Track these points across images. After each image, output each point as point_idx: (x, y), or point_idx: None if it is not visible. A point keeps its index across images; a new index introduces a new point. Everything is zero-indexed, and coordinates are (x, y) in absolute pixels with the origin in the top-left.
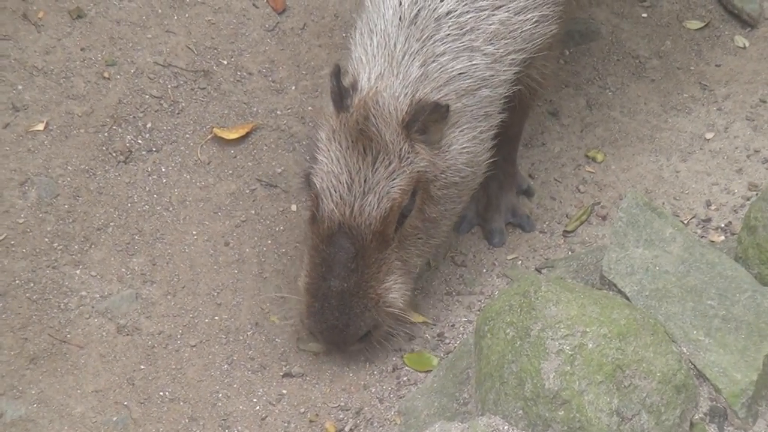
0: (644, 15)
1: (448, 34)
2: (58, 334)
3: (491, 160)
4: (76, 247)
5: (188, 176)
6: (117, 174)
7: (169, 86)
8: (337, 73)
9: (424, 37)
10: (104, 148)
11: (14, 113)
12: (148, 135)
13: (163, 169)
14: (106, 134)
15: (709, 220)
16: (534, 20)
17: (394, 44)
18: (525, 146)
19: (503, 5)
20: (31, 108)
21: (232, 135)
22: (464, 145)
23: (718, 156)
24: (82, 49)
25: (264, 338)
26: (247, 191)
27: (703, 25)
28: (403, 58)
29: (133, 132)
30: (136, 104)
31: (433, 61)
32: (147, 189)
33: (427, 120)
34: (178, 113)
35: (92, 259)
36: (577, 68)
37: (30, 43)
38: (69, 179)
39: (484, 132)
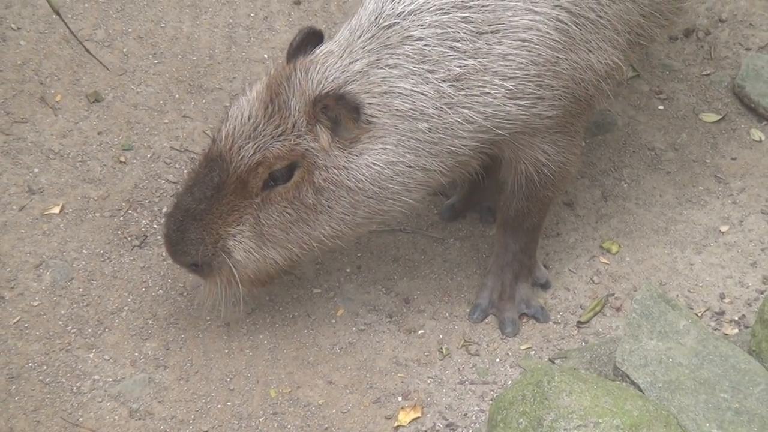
0: (660, 107)
1: (409, 55)
2: (71, 417)
3: (412, 203)
4: (89, 330)
5: None
6: (132, 258)
7: (185, 171)
8: (308, 32)
9: (387, 44)
10: (119, 232)
11: (30, 196)
12: (163, 220)
13: None
14: (121, 218)
15: (722, 312)
16: (504, 93)
17: (359, 36)
18: (540, 237)
19: (476, 56)
20: (47, 191)
21: None
22: (377, 163)
23: (732, 249)
24: (99, 133)
25: (276, 425)
26: None
27: (719, 118)
28: (357, 49)
29: (148, 216)
30: (152, 189)
31: (381, 68)
32: (161, 274)
33: (337, 110)
34: None
35: (106, 343)
36: (592, 159)
37: (47, 126)
38: (84, 263)
39: (409, 168)
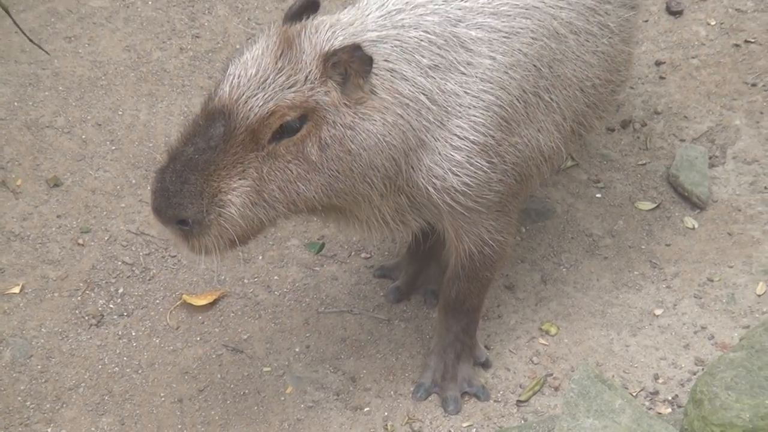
0: (598, 195)
1: (419, 43)
2: None
3: (380, 207)
4: (47, 406)
5: (157, 340)
6: (89, 337)
7: (141, 253)
8: (309, 1)
9: (398, 25)
10: (77, 311)
11: None
12: (119, 300)
13: (134, 333)
14: (79, 298)
15: (656, 392)
16: (452, 164)
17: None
18: (482, 318)
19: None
20: (7, 271)
21: (201, 302)
22: (376, 133)
23: (666, 332)
24: (58, 216)
25: None
26: (214, 356)
27: (654, 206)
28: (369, 23)
29: (105, 297)
30: (109, 270)
31: (398, 39)
32: (117, 352)
33: (349, 63)
34: (149, 280)
35: (63, 418)
36: (532, 245)
37: (8, 209)
38: (43, 340)
39: (392, 157)
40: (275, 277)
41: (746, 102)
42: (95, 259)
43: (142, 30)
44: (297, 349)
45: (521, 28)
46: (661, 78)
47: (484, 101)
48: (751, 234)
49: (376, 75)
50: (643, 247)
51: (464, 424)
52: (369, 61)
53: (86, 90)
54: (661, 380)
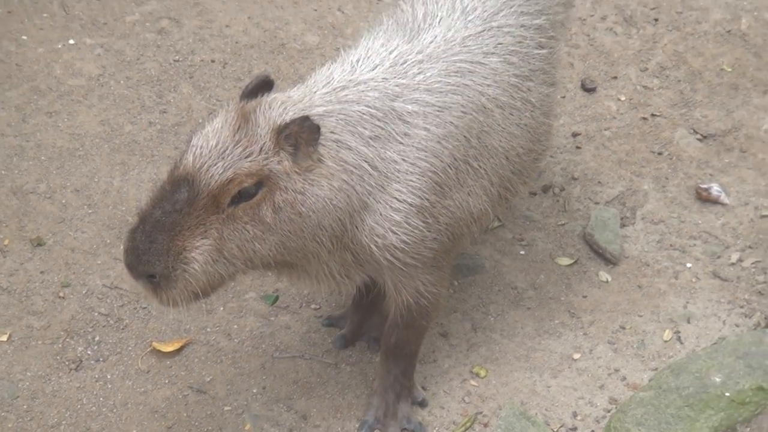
0: (522, 252)
1: (361, 116)
2: None
3: (328, 263)
4: None
5: (130, 383)
6: (69, 380)
7: (115, 305)
8: (263, 79)
9: (343, 101)
10: (59, 357)
11: None
12: (96, 347)
13: (109, 377)
14: (60, 345)
15: (575, 429)
16: (392, 224)
17: (316, 91)
18: (420, 362)
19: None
20: None
21: (169, 348)
22: (322, 198)
23: (583, 374)
24: (41, 272)
25: None
26: (180, 396)
27: (572, 261)
28: (316, 99)
29: (83, 344)
30: (86, 320)
31: (342, 113)
32: (95, 393)
33: (298, 134)
34: (123, 329)
35: None
36: (464, 297)
37: None
38: (28, 383)
39: (339, 219)
40: (235, 326)
41: (653, 169)
42: (74, 311)
43: (115, 106)
44: (255, 390)
45: (453, 103)
46: (578, 148)
47: (419, 168)
48: (658, 287)
49: (323, 145)
50: (562, 298)
51: None
52: (317, 130)
53: (66, 159)
54: (579, 417)
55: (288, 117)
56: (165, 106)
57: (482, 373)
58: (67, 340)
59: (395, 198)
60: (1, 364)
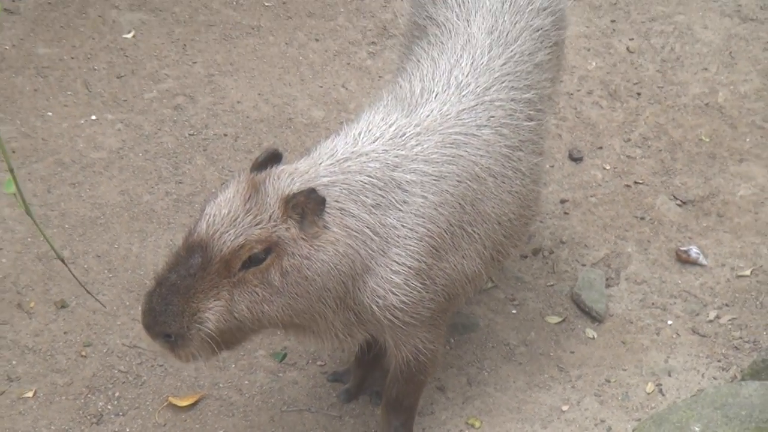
0: (514, 311)
1: (364, 185)
2: None
3: (337, 328)
4: None
5: None
6: None
7: (134, 363)
8: (272, 152)
9: (346, 171)
10: (81, 412)
11: (9, 383)
12: (116, 402)
13: (128, 430)
14: (82, 401)
15: None
16: (392, 286)
17: (320, 163)
18: (418, 414)
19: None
20: (23, 379)
21: (184, 402)
22: (328, 262)
23: (572, 424)
24: (64, 333)
25: None
26: None
27: (561, 319)
28: (321, 170)
29: (104, 399)
30: (107, 377)
31: (346, 183)
32: None
33: (305, 204)
34: (141, 385)
35: None
36: (460, 353)
37: (23, 327)
38: None
39: (343, 282)
40: (246, 382)
41: (636, 233)
42: (96, 368)
43: (134, 177)
44: None
45: (448, 173)
46: (566, 213)
47: (417, 233)
48: (641, 342)
49: (328, 213)
50: (551, 354)
51: None
52: (322, 201)
53: (88, 227)
54: None
55: (295, 187)
56: (181, 177)
57: (477, 424)
58: (89, 395)
59: (395, 261)
60: (27, 418)
